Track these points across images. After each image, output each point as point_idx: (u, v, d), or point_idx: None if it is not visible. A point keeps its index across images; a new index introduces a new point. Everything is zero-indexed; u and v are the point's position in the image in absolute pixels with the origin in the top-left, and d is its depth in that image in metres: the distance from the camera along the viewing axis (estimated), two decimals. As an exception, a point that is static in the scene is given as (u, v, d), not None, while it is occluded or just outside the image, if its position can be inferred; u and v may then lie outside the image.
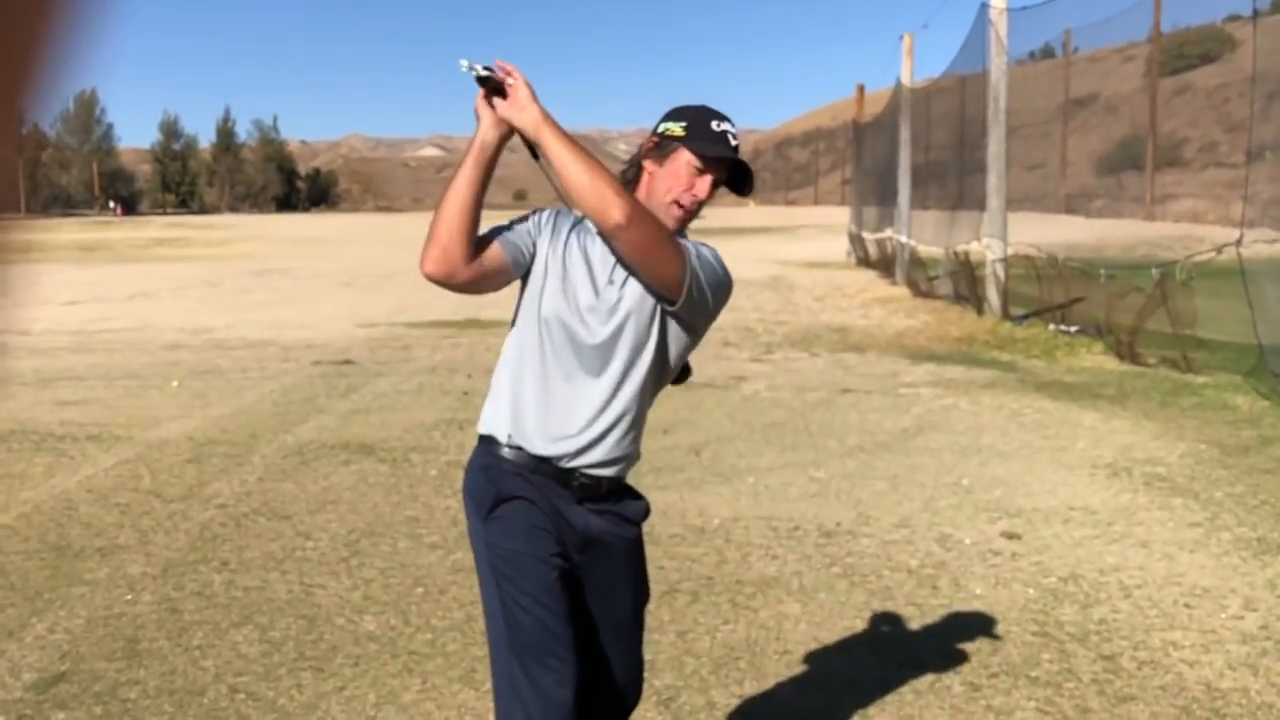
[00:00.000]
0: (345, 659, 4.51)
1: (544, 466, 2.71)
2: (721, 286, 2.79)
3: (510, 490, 2.72)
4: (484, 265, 2.67)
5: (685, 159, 2.68)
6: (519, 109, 2.58)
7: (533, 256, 2.74)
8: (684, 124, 2.70)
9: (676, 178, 2.68)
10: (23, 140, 0.52)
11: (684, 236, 2.80)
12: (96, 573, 5.53)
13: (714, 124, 2.70)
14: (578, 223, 2.78)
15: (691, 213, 2.73)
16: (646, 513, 2.92)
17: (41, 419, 9.37)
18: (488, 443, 2.79)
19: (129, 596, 5.20)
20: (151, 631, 4.78)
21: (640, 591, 2.96)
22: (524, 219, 2.80)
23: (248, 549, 5.90)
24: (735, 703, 4.13)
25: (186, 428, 8.95)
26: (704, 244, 2.82)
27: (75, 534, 6.17)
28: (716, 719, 4.01)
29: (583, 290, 2.70)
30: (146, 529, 6.26)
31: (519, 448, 2.73)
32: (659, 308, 2.70)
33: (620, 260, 2.67)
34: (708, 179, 2.69)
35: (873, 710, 4.07)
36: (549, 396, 2.71)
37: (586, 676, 2.75)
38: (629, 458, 2.79)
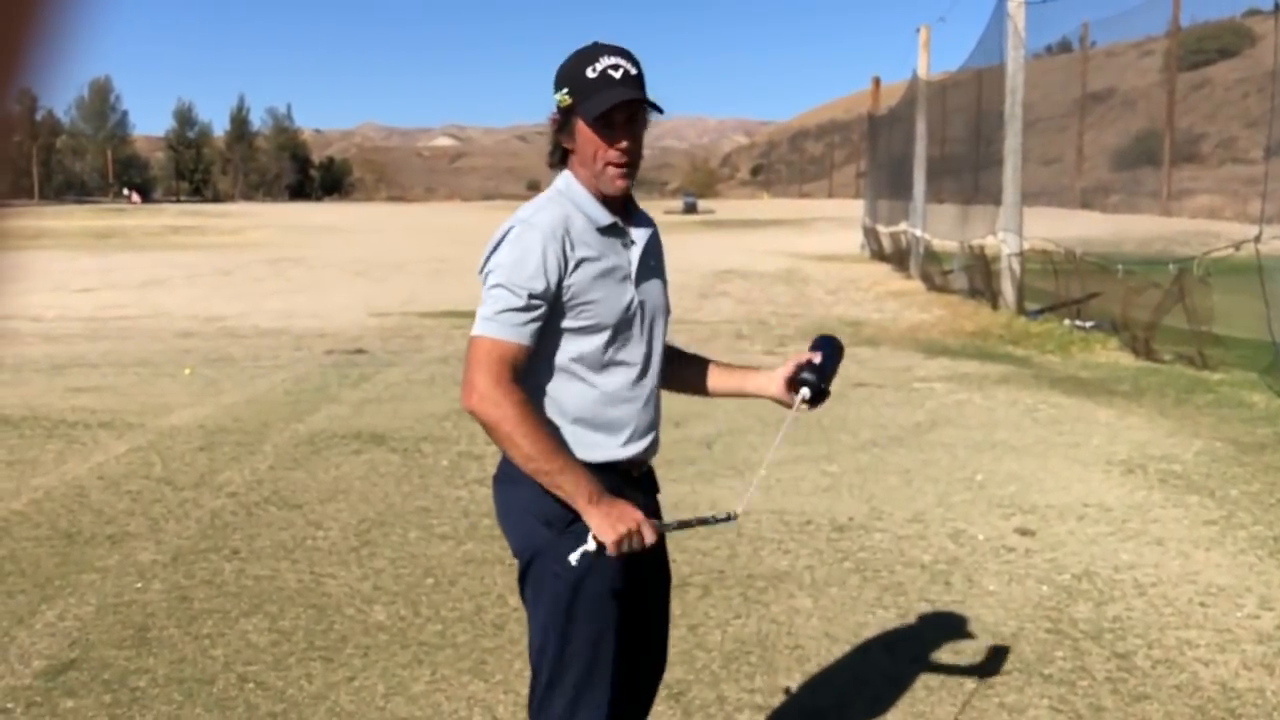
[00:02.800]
0: (355, 649, 4.49)
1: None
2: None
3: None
4: None
5: (588, 129, 2.50)
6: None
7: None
8: (567, 89, 2.50)
9: (593, 144, 2.51)
10: (15, 126, 0.50)
11: (637, 211, 2.69)
12: (107, 560, 5.52)
13: (590, 71, 2.47)
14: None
15: (631, 164, 2.54)
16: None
17: (54, 405, 9.38)
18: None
19: (139, 584, 5.19)
20: (161, 619, 4.77)
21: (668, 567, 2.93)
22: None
23: (258, 538, 5.89)
24: (746, 697, 4.10)
25: (198, 415, 8.95)
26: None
27: (86, 521, 6.17)
28: (727, 713, 3.98)
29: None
30: (157, 516, 6.26)
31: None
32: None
33: None
34: (619, 131, 2.50)
35: (885, 706, 4.04)
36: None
37: (630, 655, 2.69)
38: None
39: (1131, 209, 26.54)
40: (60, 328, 15.22)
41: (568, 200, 2.57)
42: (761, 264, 25.91)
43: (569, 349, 2.57)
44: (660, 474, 7.11)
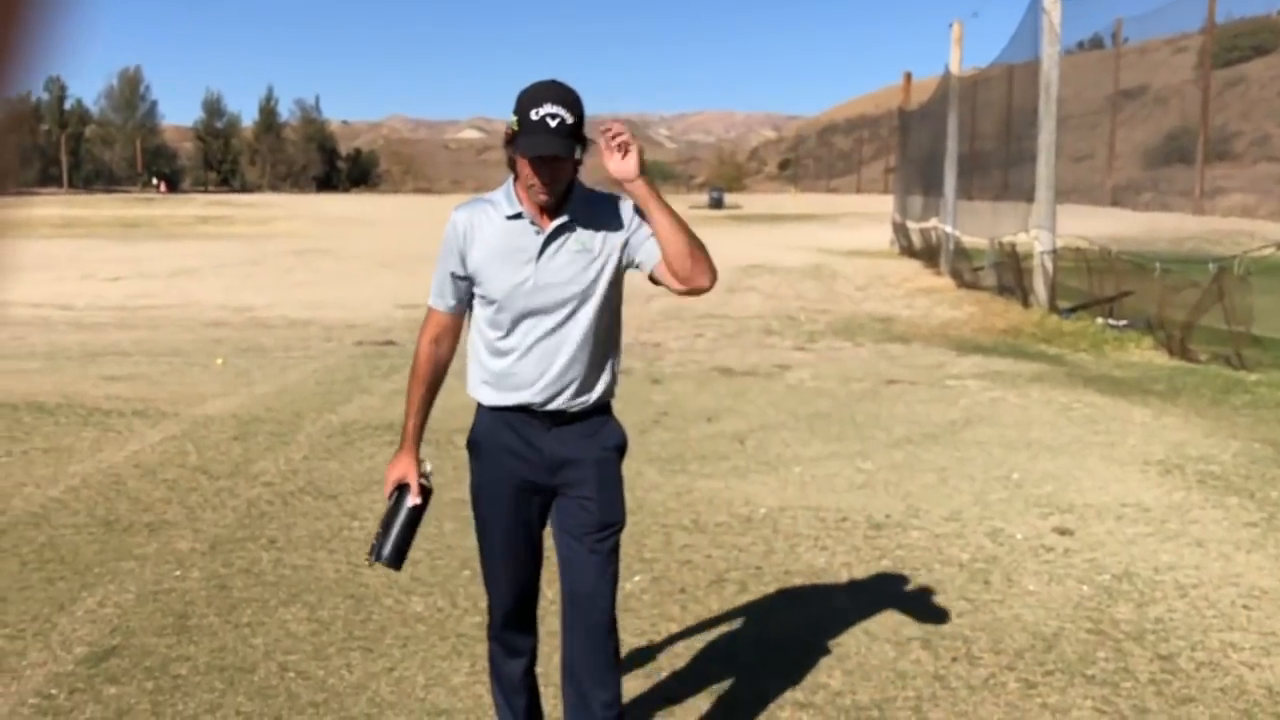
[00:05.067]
0: (394, 639, 4.50)
1: None
2: None
3: None
4: None
5: (520, 156, 3.00)
6: (632, 176, 3.07)
7: None
8: (516, 117, 3.00)
9: (525, 169, 3.03)
10: (16, 118, 0.49)
11: (614, 197, 3.21)
12: (145, 548, 5.54)
13: (533, 113, 2.95)
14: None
15: (550, 195, 3.05)
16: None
17: (88, 393, 9.43)
18: None
19: (178, 572, 5.21)
20: (201, 608, 4.79)
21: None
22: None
23: (295, 527, 5.90)
24: (787, 694, 4.08)
25: (231, 405, 8.99)
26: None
27: (123, 509, 6.20)
28: (769, 711, 3.96)
29: None
30: (194, 505, 6.28)
31: None
32: None
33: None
34: (544, 168, 3.00)
35: (926, 706, 4.01)
36: None
37: (565, 583, 3.26)
38: None
39: (1163, 207, 26.34)
40: (91, 316, 15.32)
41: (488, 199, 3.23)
42: (789, 259, 25.84)
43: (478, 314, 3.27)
44: (694, 469, 7.11)
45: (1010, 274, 16.82)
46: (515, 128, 3.01)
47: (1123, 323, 13.23)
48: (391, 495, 3.34)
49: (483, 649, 4.37)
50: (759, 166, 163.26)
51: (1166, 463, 7.39)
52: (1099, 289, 14.29)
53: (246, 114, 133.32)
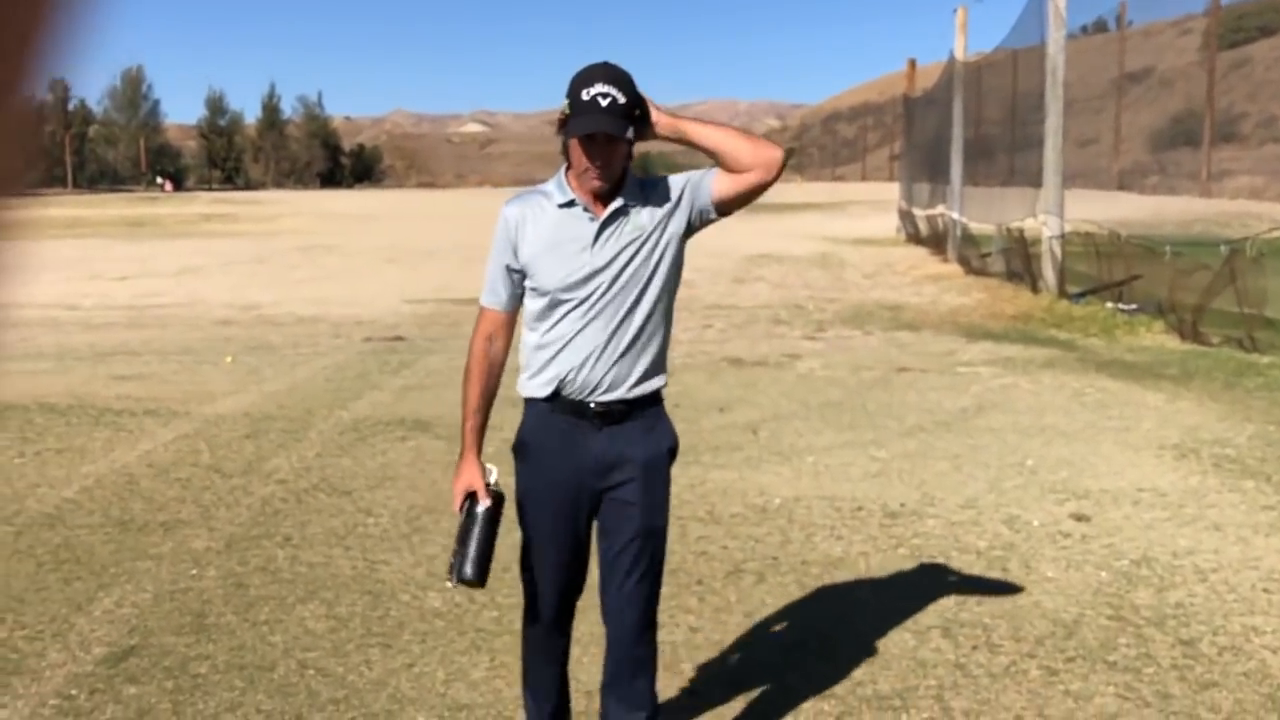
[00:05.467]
0: (412, 635, 4.49)
1: None
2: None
3: None
4: None
5: (573, 139, 2.98)
6: (656, 124, 3.06)
7: None
8: (568, 100, 2.97)
9: (578, 154, 3.00)
10: (36, 119, 0.49)
11: (647, 177, 3.20)
12: (161, 547, 5.54)
13: (584, 94, 2.92)
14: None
15: (604, 180, 3.00)
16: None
17: (99, 393, 9.43)
18: None
19: (194, 571, 5.21)
20: (219, 606, 4.78)
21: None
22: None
23: (309, 524, 5.89)
24: (809, 684, 4.07)
25: (242, 403, 8.98)
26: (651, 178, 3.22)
27: (138, 508, 6.20)
28: (791, 702, 3.95)
29: None
30: (208, 504, 6.27)
31: None
32: None
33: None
34: (596, 149, 2.96)
35: (948, 694, 3.99)
36: None
37: (604, 589, 3.22)
38: None
39: (1170, 190, 26.24)
40: (99, 316, 15.32)
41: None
42: (796, 248, 25.78)
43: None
44: (707, 460, 7.08)
45: (1018, 260, 16.77)
46: (566, 110, 2.97)
47: (1133, 307, 13.19)
48: (462, 507, 3.17)
49: (502, 644, 4.38)
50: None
51: (1181, 447, 7.36)
52: (1108, 273, 14.24)
53: (249, 111, 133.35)
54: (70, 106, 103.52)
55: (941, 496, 6.33)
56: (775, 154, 3.06)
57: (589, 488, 3.15)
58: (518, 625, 4.53)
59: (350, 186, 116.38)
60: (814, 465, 7.03)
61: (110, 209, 52.56)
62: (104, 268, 22.89)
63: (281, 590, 4.97)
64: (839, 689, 4.04)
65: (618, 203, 3.07)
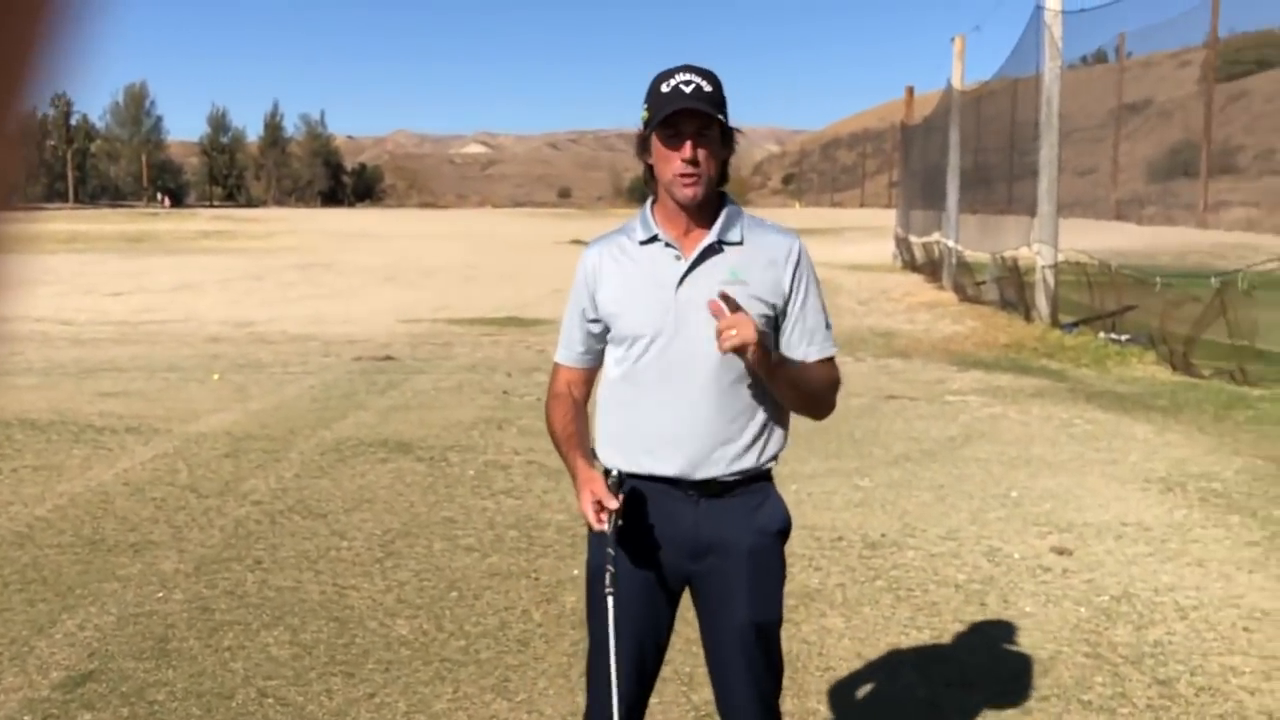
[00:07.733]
0: (376, 664, 4.41)
1: None
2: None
3: None
4: None
5: (657, 141, 2.61)
6: (756, 360, 2.57)
7: None
8: (646, 106, 2.65)
9: (664, 159, 2.61)
10: (23, 132, 0.46)
11: (731, 206, 2.76)
12: (129, 569, 5.47)
13: (664, 86, 2.61)
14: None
15: (697, 176, 2.60)
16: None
17: (81, 410, 9.37)
18: None
19: (160, 594, 5.14)
20: (182, 631, 4.71)
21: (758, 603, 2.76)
22: None
23: (281, 547, 5.82)
24: None
25: (225, 422, 8.92)
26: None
27: (110, 528, 6.13)
28: (756, 738, 3.87)
29: None
30: (181, 525, 6.20)
31: None
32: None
33: None
34: (685, 139, 2.58)
35: (918, 732, 3.92)
36: None
37: (717, 683, 2.83)
38: None
39: (1167, 221, 26.25)
40: (90, 331, 15.27)
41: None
42: (792, 273, 25.70)
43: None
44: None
45: (1012, 288, 16.75)
46: (646, 115, 2.63)
47: (1125, 337, 13.14)
48: (603, 518, 2.59)
49: (466, 674, 4.32)
50: (763, 181, 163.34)
51: (1168, 480, 7.29)
52: (1101, 303, 14.21)
53: (252, 129, 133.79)
54: (73, 121, 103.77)
55: (923, 527, 6.26)
56: (830, 413, 2.88)
57: (681, 570, 2.73)
58: (484, 655, 4.49)
59: (351, 205, 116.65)
60: (797, 493, 6.95)
61: (109, 224, 52.58)
62: (99, 283, 22.85)
63: (247, 615, 4.90)
64: (806, 725, 3.97)
65: (710, 239, 2.67)
